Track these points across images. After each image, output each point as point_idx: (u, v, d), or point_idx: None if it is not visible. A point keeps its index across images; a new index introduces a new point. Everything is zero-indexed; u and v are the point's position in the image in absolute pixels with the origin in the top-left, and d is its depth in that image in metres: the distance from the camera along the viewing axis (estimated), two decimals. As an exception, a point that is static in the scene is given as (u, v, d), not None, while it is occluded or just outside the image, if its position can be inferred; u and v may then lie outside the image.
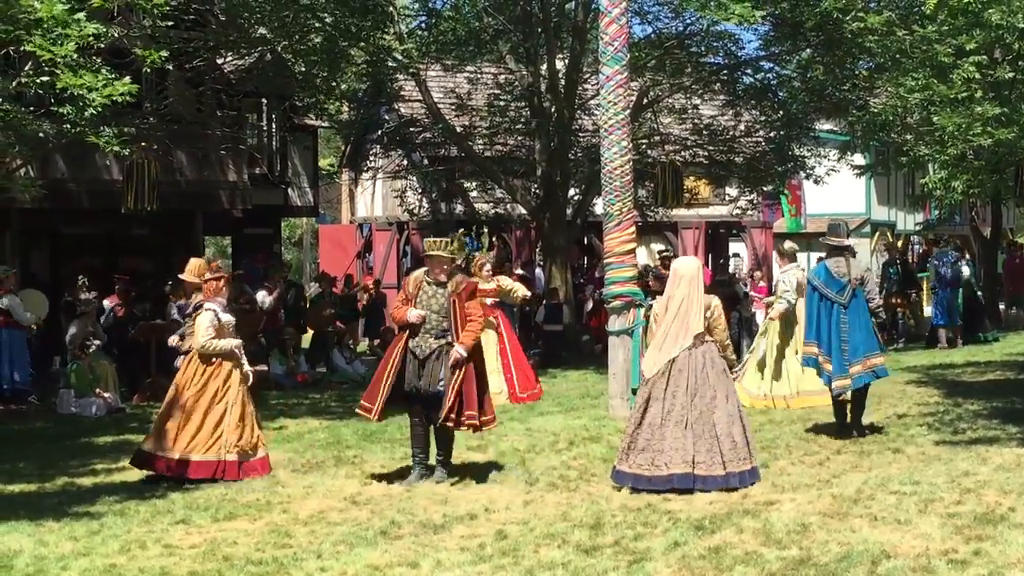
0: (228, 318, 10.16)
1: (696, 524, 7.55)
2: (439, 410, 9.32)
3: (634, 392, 12.61)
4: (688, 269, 9.13)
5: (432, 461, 9.69)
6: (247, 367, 10.07)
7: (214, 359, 9.91)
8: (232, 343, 10.00)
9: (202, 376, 9.87)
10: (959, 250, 22.35)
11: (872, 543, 6.84)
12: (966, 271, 20.88)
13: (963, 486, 8.32)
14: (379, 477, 9.73)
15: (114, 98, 10.43)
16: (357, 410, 9.91)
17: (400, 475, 9.79)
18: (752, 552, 6.85)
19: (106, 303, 16.84)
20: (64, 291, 17.22)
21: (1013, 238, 32.83)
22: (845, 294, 11.07)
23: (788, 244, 14.38)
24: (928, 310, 22.76)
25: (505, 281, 15.02)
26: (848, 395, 11.11)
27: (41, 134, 11.49)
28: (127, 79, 10.63)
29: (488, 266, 14.91)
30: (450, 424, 9.40)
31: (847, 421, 11.16)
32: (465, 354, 9.35)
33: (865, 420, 11.69)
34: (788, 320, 13.20)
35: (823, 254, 11.81)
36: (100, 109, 10.56)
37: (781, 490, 8.57)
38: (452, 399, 9.30)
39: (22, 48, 10.29)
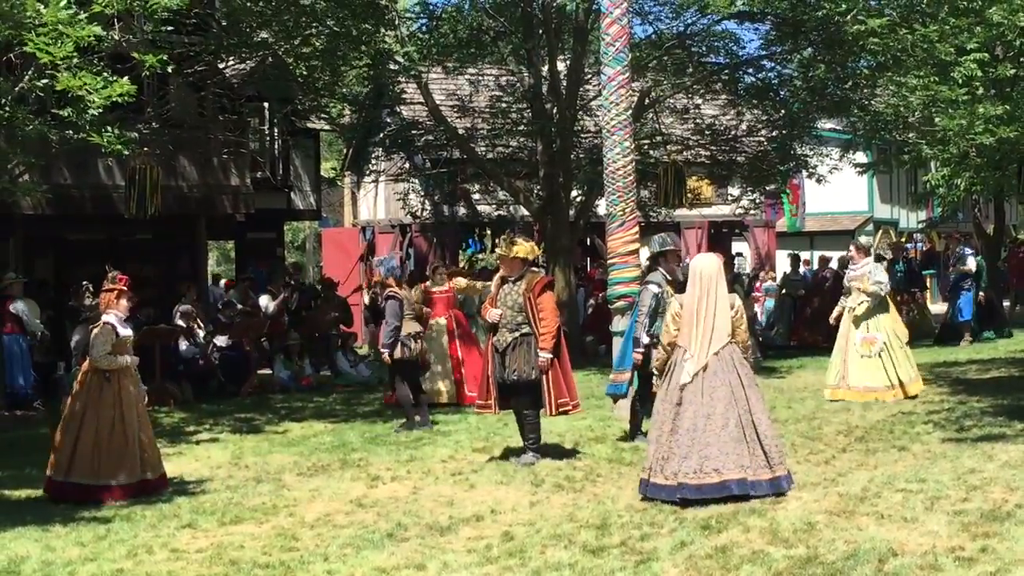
0: (127, 332, 9.76)
1: (702, 524, 7.54)
2: (522, 398, 10.20)
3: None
4: (709, 268, 8.57)
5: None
6: (141, 385, 9.89)
7: (109, 375, 9.50)
8: (128, 360, 9.68)
9: (99, 393, 9.46)
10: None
11: (879, 541, 6.83)
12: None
13: (969, 483, 8.31)
14: (385, 480, 9.75)
15: (113, 99, 10.44)
16: (476, 409, 10.91)
17: (407, 477, 9.81)
18: (759, 551, 6.84)
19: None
20: (68, 297, 17.23)
21: (1016, 235, 32.81)
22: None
23: (864, 239, 14.64)
24: (934, 308, 22.75)
25: (460, 281, 15.05)
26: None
27: (44, 137, 11.47)
28: (125, 79, 10.65)
29: (442, 269, 15.51)
30: (552, 414, 10.29)
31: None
32: (549, 358, 10.07)
33: (872, 418, 11.71)
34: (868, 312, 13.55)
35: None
36: (100, 110, 10.57)
37: (787, 489, 8.56)
38: (548, 392, 10.10)
39: (23, 50, 10.32)
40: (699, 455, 8.17)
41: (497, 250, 10.46)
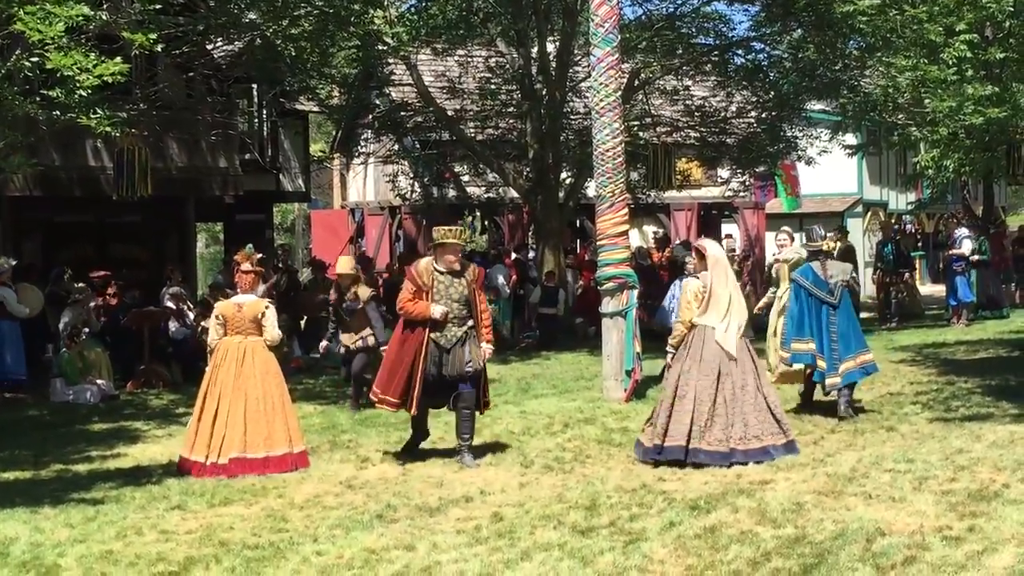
0: None
1: (691, 504, 7.57)
2: (468, 394, 9.57)
3: (628, 374, 12.64)
4: (721, 252, 9.57)
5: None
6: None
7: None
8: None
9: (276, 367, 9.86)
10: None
11: (867, 521, 6.86)
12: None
13: (957, 463, 8.35)
14: (374, 461, 9.75)
15: (104, 78, 10.38)
16: (376, 404, 9.90)
17: (397, 458, 9.80)
18: (747, 531, 6.87)
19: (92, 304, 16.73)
20: (48, 282, 17.09)
21: (1004, 217, 32.83)
22: (836, 295, 11.19)
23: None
24: (923, 289, 22.70)
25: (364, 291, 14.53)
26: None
27: (32, 114, 11.38)
28: (118, 59, 10.60)
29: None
30: (482, 411, 9.93)
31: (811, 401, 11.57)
32: (492, 351, 9.81)
33: (860, 399, 11.75)
34: None
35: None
36: (90, 91, 10.52)
37: (776, 469, 8.60)
38: (484, 388, 9.77)
39: (11, 29, 10.26)
40: (741, 423, 8.97)
41: (449, 238, 9.47)
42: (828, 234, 11.72)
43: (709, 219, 29.46)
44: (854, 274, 11.77)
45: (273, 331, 9.76)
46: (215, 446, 9.40)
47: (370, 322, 12.69)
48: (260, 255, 10.53)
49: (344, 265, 13.04)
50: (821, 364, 11.05)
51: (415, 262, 9.95)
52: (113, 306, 16.54)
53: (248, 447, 9.38)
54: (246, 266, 10.02)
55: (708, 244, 9.72)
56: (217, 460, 9.34)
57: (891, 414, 10.99)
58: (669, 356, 9.48)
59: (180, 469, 9.51)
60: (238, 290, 10.08)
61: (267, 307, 9.84)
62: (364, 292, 12.85)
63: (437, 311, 9.37)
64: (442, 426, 11.06)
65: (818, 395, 11.68)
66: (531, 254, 22.99)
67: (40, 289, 16.18)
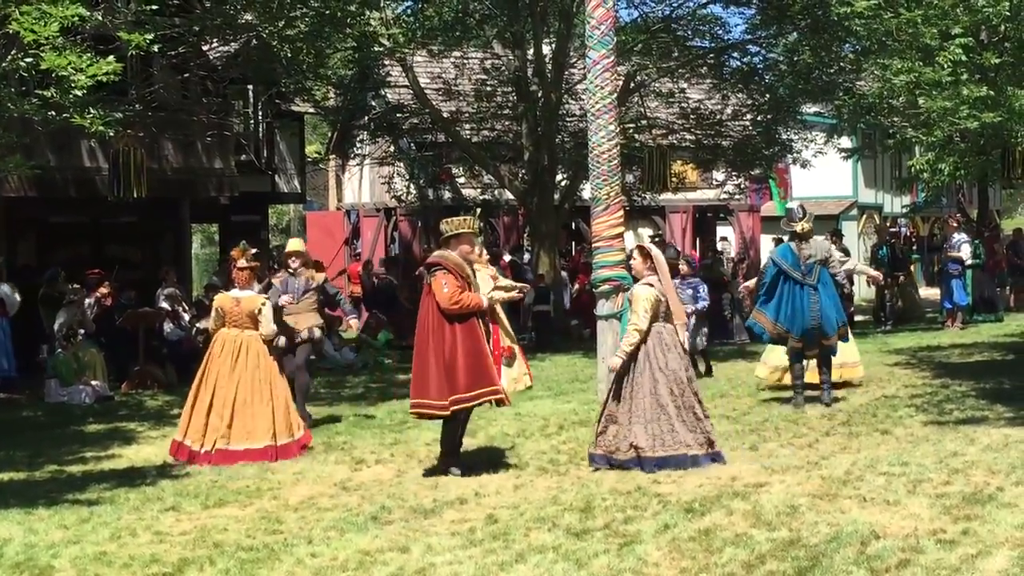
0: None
1: (686, 507, 7.56)
2: None
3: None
4: (662, 256, 9.48)
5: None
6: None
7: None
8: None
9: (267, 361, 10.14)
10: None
11: (861, 524, 6.86)
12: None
13: (951, 466, 8.36)
14: (369, 463, 9.75)
15: (98, 78, 10.40)
16: (484, 402, 9.11)
17: (391, 460, 9.80)
18: (742, 534, 6.86)
19: (88, 301, 16.74)
20: (40, 283, 17.07)
21: (999, 221, 32.89)
22: (813, 275, 11.57)
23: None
24: (921, 291, 22.72)
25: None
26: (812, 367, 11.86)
27: (27, 114, 11.38)
28: (111, 58, 10.61)
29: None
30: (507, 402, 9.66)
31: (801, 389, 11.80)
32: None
33: (855, 402, 11.78)
34: None
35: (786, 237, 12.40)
36: (85, 90, 10.53)
37: (770, 472, 8.59)
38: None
39: (7, 29, 10.26)
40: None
41: (465, 228, 9.15)
42: (806, 215, 11.87)
43: (704, 222, 29.48)
44: (829, 250, 12.01)
45: (268, 326, 10.10)
46: (210, 436, 9.78)
47: (341, 310, 12.53)
48: (255, 250, 10.69)
49: (295, 244, 12.73)
50: (795, 345, 11.60)
51: (442, 256, 9.16)
52: (108, 306, 16.53)
53: (232, 439, 9.78)
54: (242, 262, 10.31)
55: (651, 246, 9.66)
56: (210, 450, 9.76)
57: (886, 417, 10.99)
58: (616, 360, 9.08)
59: (171, 452, 9.96)
60: (236, 286, 10.30)
61: (263, 303, 10.14)
62: (319, 276, 12.79)
63: (486, 301, 9.22)
64: (436, 428, 11.06)
65: (813, 390, 11.74)
66: (526, 256, 22.99)
67: (34, 290, 16.20)
